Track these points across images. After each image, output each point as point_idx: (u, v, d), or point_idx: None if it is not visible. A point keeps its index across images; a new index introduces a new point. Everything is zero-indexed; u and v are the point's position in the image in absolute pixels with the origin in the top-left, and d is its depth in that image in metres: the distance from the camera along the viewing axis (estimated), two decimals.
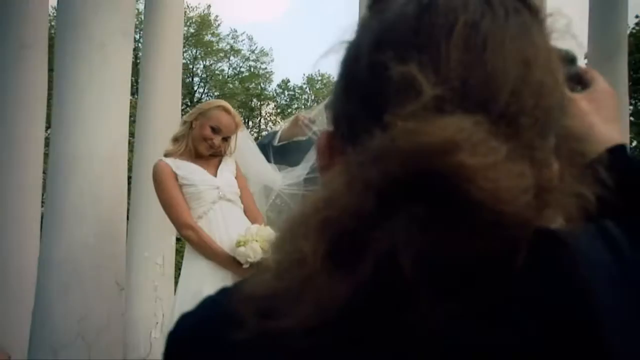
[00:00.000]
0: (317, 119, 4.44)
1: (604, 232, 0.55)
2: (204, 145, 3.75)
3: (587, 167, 0.56)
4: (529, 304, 0.52)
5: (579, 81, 0.86)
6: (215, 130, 3.75)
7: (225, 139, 3.81)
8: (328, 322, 0.51)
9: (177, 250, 6.43)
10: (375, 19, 0.62)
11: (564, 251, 0.53)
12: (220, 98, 24.79)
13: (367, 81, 0.59)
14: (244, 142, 4.12)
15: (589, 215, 0.52)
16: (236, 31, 30.04)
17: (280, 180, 4.31)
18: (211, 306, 0.64)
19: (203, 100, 26.33)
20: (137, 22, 5.82)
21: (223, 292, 0.65)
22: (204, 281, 3.57)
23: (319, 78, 30.90)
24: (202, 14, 28.38)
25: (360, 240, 0.50)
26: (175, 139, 3.86)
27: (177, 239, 5.81)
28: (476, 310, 0.51)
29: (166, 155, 3.81)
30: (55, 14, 4.68)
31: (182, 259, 3.78)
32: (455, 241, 0.50)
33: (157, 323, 5.67)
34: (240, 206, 3.81)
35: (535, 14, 0.60)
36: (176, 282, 5.94)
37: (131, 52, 4.02)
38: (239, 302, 0.53)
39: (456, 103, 0.54)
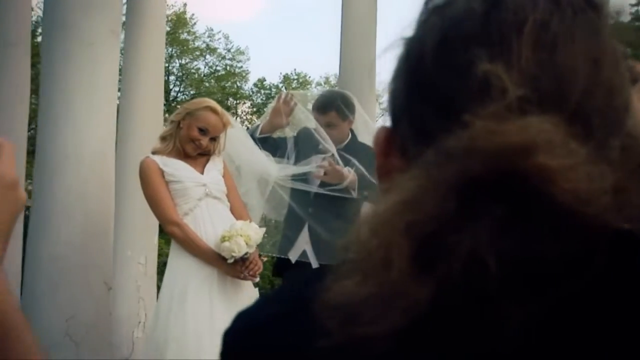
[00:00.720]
0: (297, 102, 4.45)
1: None
2: (191, 145, 3.75)
3: None
4: (607, 305, 0.52)
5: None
6: (202, 131, 3.74)
7: (213, 139, 3.81)
8: (412, 324, 0.50)
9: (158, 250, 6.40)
10: (437, 15, 0.61)
11: None
12: (196, 97, 24.63)
13: (439, 79, 0.58)
14: (236, 137, 4.12)
15: None
16: (212, 30, 29.96)
17: (276, 171, 4.32)
18: (270, 306, 0.64)
19: (179, 99, 26.19)
20: None
21: (281, 293, 0.65)
22: (190, 278, 3.57)
23: (295, 77, 30.86)
24: (178, 12, 28.19)
25: (444, 243, 0.49)
26: (163, 138, 3.85)
27: (160, 231, 5.76)
28: (557, 312, 0.51)
29: (154, 153, 3.80)
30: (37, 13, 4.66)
31: (164, 259, 3.77)
32: (536, 243, 0.49)
33: (139, 323, 5.65)
34: (227, 204, 3.81)
35: (600, 13, 0.59)
36: (158, 282, 5.91)
37: (119, 50, 4.01)
38: (319, 308, 0.52)
39: (533, 103, 0.53)
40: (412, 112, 0.61)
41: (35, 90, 6.03)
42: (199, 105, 3.83)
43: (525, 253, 0.49)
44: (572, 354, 0.51)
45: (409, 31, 0.64)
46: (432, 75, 0.59)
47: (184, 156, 3.79)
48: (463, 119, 0.52)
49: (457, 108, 0.54)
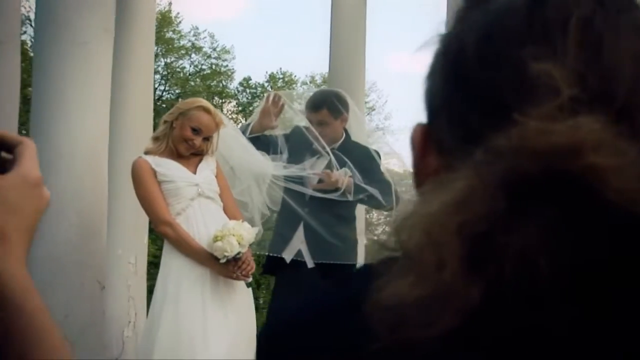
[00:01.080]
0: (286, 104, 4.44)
1: None
2: (184, 145, 3.75)
3: None
4: None
5: None
6: (195, 131, 3.74)
7: (206, 139, 3.81)
8: (460, 325, 0.50)
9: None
10: (477, 11, 0.60)
11: None
12: (181, 96, 24.58)
13: (483, 76, 0.57)
14: (229, 136, 4.12)
15: None
16: (197, 28, 29.74)
17: (272, 169, 4.32)
18: (308, 307, 0.64)
19: (164, 98, 26.10)
20: None
21: (316, 295, 0.64)
22: (182, 278, 3.58)
23: (281, 76, 30.78)
24: (163, 11, 28.06)
25: (495, 243, 0.49)
26: (156, 138, 3.85)
27: (151, 230, 5.73)
28: (608, 313, 0.50)
29: (146, 153, 3.80)
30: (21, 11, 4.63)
31: (151, 259, 3.77)
32: (587, 243, 0.49)
33: (129, 322, 5.62)
34: (220, 204, 3.82)
35: None
36: (148, 281, 5.89)
37: (112, 49, 3.99)
38: (370, 308, 0.51)
39: (583, 103, 0.52)
40: (451, 108, 0.60)
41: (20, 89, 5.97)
42: (192, 105, 3.84)
43: (576, 253, 0.49)
44: (622, 356, 0.51)
45: (444, 27, 0.63)
46: (475, 72, 0.58)
47: (177, 156, 3.79)
48: (513, 118, 0.51)
49: (504, 106, 0.54)
